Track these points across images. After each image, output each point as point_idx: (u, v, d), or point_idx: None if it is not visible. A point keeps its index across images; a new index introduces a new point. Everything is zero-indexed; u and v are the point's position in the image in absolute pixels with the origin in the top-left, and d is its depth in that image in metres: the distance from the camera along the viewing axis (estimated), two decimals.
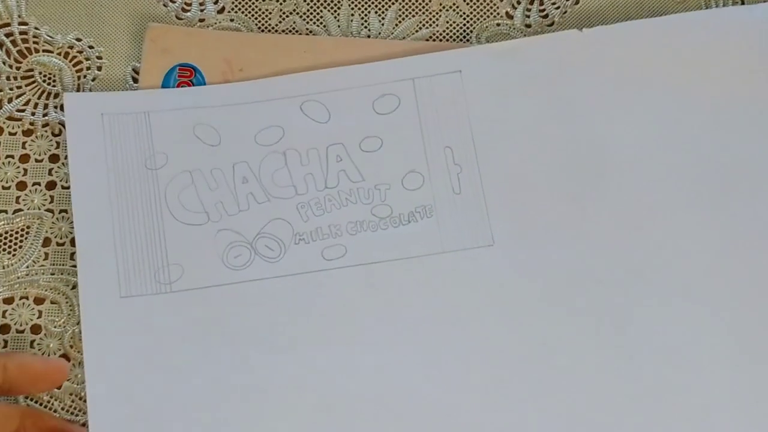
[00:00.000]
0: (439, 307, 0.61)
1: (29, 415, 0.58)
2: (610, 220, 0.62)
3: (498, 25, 0.69)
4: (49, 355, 0.62)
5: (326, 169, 0.63)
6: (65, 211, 0.64)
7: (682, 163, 0.63)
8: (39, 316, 0.63)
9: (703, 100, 0.64)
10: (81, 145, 0.63)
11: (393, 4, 0.69)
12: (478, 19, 0.69)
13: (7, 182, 0.65)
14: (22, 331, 0.62)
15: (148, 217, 0.62)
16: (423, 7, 0.70)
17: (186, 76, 0.64)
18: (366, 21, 0.69)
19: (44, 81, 0.67)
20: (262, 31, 0.67)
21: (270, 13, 0.69)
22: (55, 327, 0.63)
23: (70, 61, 0.67)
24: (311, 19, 0.69)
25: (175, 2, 0.69)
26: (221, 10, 0.68)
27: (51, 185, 0.65)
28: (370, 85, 0.65)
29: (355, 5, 0.70)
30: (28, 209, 0.65)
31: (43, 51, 0.67)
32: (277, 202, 0.63)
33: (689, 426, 0.59)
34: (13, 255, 0.64)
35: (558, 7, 0.69)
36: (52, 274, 0.64)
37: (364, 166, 0.64)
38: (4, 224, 0.64)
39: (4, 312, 0.63)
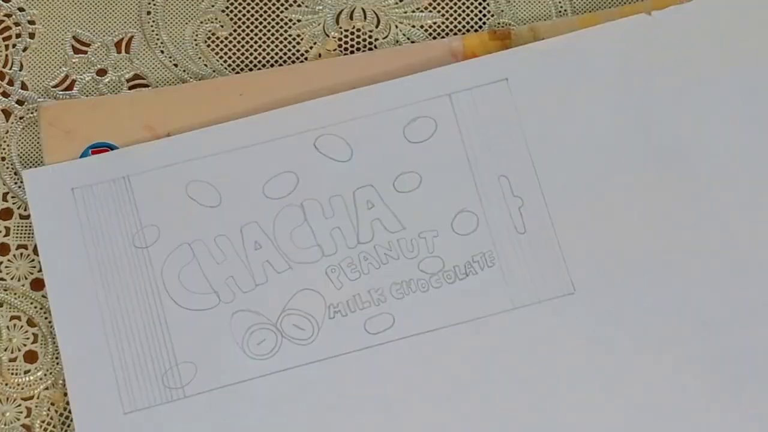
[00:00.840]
0: (515, 378, 0.54)
1: None
2: (713, 248, 0.55)
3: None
4: None
5: (356, 220, 0.56)
6: None
7: None
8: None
9: None
10: (52, 231, 0.56)
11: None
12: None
13: None
14: None
15: (145, 308, 0.55)
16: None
17: None
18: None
19: None
20: (180, 81, 0.61)
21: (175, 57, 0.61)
22: None
23: None
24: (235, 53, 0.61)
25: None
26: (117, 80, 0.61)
27: None
28: (398, 108, 0.57)
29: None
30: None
31: None
32: (301, 269, 0.55)
33: None
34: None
35: None
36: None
37: (403, 211, 0.56)
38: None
39: None
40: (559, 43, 0.57)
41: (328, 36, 0.60)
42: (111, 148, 0.57)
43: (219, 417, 0.53)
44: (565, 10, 0.60)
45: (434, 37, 0.60)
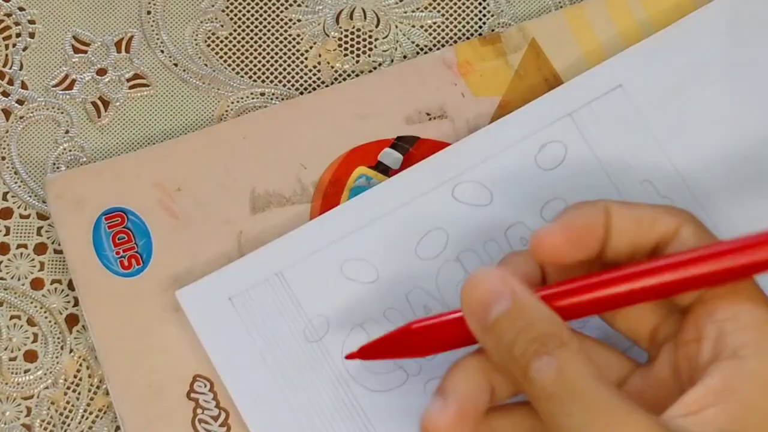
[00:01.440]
0: None
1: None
2: None
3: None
4: None
5: None
6: None
7: None
8: None
9: None
10: (222, 346, 0.52)
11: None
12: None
13: None
14: None
15: (339, 403, 0.51)
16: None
17: (118, 224, 0.55)
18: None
19: None
20: (181, 81, 0.60)
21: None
22: None
23: None
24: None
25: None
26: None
27: None
28: (523, 140, 0.55)
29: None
30: None
31: None
32: None
33: None
34: None
35: None
36: None
37: None
38: None
39: None
40: (661, 38, 0.56)
41: (328, 36, 0.59)
42: (124, 212, 0.55)
43: None
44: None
45: (434, 37, 0.59)
